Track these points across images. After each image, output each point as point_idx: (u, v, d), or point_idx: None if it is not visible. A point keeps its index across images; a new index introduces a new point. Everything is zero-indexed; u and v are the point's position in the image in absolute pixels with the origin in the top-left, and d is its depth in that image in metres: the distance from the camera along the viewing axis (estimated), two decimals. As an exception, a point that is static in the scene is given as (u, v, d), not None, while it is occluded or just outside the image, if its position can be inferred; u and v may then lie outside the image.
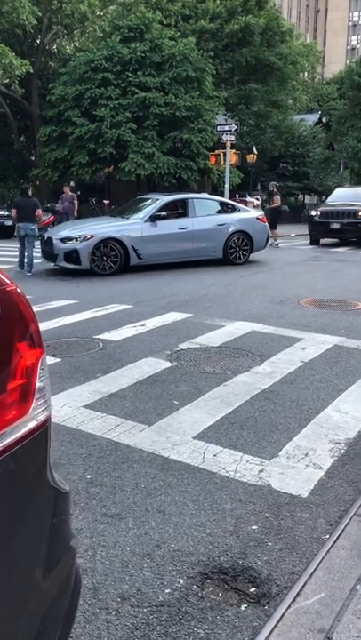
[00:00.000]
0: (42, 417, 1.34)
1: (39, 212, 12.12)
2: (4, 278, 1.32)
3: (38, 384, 1.32)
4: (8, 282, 1.33)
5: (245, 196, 26.53)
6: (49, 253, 11.14)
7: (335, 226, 17.13)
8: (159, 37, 22.37)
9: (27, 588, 1.30)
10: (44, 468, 1.37)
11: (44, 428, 1.34)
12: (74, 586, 1.52)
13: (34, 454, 1.32)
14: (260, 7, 28.65)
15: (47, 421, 1.36)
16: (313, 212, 18.56)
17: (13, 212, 12.92)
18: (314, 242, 18.12)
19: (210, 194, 17.13)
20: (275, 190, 18.77)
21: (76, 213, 18.47)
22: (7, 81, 20.69)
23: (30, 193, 12.45)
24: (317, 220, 17.68)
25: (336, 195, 19.26)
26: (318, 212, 17.87)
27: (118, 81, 22.03)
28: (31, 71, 21.76)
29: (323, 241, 18.06)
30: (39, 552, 1.34)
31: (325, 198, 22.78)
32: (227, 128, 21.87)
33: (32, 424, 1.30)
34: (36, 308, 1.23)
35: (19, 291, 1.35)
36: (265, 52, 28.15)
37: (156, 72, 22.39)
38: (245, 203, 21.23)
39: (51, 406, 1.41)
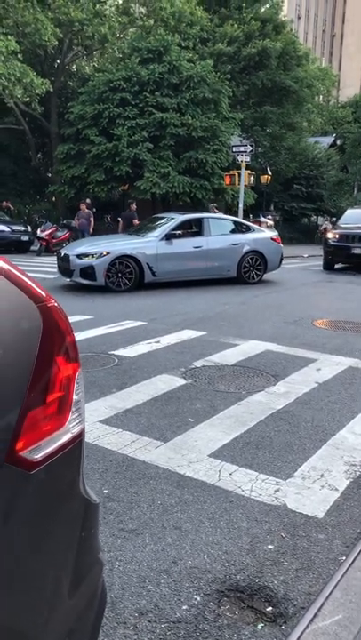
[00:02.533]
0: (76, 430, 1.38)
1: (135, 221, 16.41)
2: (44, 295, 1.37)
3: (75, 397, 1.36)
4: (48, 297, 1.38)
5: (259, 217, 26.74)
6: (65, 269, 11.25)
7: (357, 251, 15.44)
8: (177, 59, 22.77)
9: (56, 599, 1.33)
10: (77, 479, 1.40)
11: (78, 440, 1.38)
12: (100, 598, 1.54)
13: (68, 466, 1.36)
14: (278, 32, 29.13)
15: (81, 434, 1.40)
16: (329, 235, 16.58)
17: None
18: (328, 267, 16.48)
19: (224, 213, 17.27)
20: (214, 211, 19.78)
21: (91, 230, 18.70)
22: (27, 99, 21.11)
23: (133, 207, 18.58)
24: (334, 243, 15.91)
25: (349, 216, 17.57)
26: (336, 236, 16.03)
27: (136, 101, 22.40)
28: (51, 90, 22.23)
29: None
30: (69, 563, 1.37)
31: (336, 220, 22.01)
32: (242, 149, 22.07)
33: (67, 437, 1.33)
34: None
35: (56, 304, 1.39)
36: (281, 76, 28.52)
37: (174, 93, 22.75)
38: (259, 223, 21.43)
39: (85, 419, 1.45)
